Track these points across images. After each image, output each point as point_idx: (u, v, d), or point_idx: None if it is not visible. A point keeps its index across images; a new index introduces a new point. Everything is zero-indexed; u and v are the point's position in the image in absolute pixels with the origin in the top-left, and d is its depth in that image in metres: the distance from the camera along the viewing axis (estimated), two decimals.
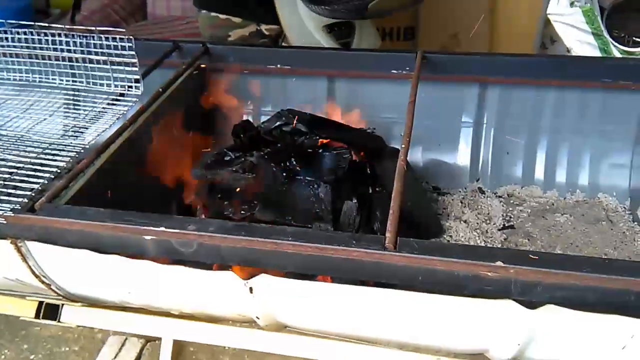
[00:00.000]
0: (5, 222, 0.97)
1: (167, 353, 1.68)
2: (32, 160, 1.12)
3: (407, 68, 1.53)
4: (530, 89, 1.54)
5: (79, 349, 2.28)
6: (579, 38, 2.98)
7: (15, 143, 1.19)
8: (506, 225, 1.47)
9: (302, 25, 1.77)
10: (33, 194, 1.02)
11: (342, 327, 1.00)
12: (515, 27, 2.67)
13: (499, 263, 0.82)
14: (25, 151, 1.15)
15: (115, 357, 2.10)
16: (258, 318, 1.02)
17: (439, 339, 0.96)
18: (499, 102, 1.57)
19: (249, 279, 0.93)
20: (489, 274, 0.83)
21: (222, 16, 1.89)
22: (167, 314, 1.19)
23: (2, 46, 1.40)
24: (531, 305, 0.84)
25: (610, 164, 1.53)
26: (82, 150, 1.17)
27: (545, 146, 1.57)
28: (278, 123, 1.42)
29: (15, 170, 1.08)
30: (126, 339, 2.17)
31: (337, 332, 1.02)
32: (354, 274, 0.89)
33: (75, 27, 1.34)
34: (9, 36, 1.38)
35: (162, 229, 0.93)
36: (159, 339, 2.20)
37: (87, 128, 1.26)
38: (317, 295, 0.94)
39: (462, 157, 1.61)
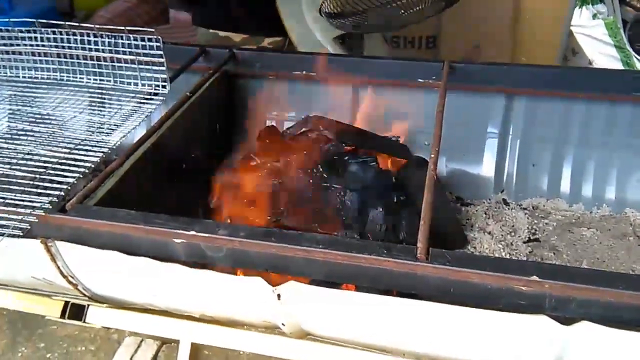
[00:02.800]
0: (37, 220, 0.97)
1: (185, 355, 1.68)
2: (65, 156, 1.13)
3: (433, 77, 1.53)
4: (557, 100, 1.53)
5: (95, 349, 2.29)
6: (601, 50, 2.96)
7: (47, 139, 1.21)
8: (531, 238, 1.45)
9: (312, 37, 1.78)
10: (67, 189, 1.03)
11: (368, 337, 0.99)
12: (539, 38, 2.65)
13: (534, 277, 0.81)
14: (58, 146, 1.17)
15: (131, 358, 2.10)
16: (284, 325, 1.01)
17: (466, 353, 0.95)
18: (525, 114, 1.56)
19: (277, 285, 0.93)
20: (523, 288, 0.82)
21: (221, 33, 1.90)
22: (188, 317, 1.19)
23: (32, 45, 1.41)
24: (565, 321, 0.83)
25: (638, 179, 1.51)
26: (111, 149, 1.18)
27: (572, 159, 1.55)
28: (303, 129, 1.43)
29: (48, 166, 1.09)
30: (142, 340, 2.18)
31: (363, 342, 1.01)
32: (384, 284, 0.89)
33: (104, 26, 1.35)
34: (39, 35, 1.40)
35: (193, 232, 0.94)
36: (175, 341, 2.21)
37: (115, 126, 1.27)
38: (345, 304, 0.93)
39: (486, 167, 1.60)
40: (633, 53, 2.47)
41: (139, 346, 2.14)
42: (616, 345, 0.84)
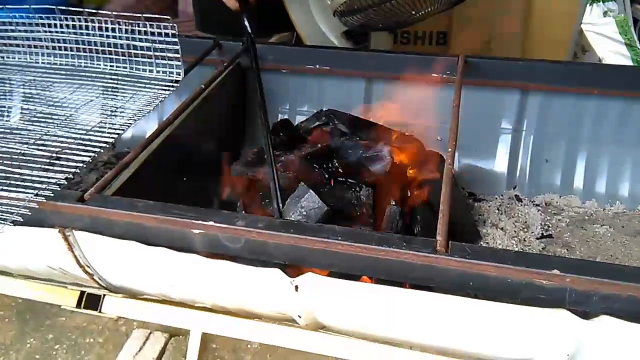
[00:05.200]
0: (53, 195, 0.98)
1: (195, 347, 1.69)
2: (81, 137, 1.16)
3: (448, 72, 1.52)
4: (571, 96, 1.52)
5: (104, 340, 2.30)
6: (611, 48, 2.95)
7: (63, 122, 1.23)
8: (544, 234, 1.45)
9: (320, 32, 1.78)
10: (82, 167, 1.06)
11: (385, 330, 0.99)
12: (549, 35, 2.64)
13: (555, 271, 0.81)
14: (74, 128, 1.19)
15: (139, 350, 2.11)
16: (300, 317, 1.01)
17: (483, 346, 0.95)
18: (539, 109, 1.55)
19: (295, 276, 0.93)
20: (544, 282, 0.82)
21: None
22: (202, 309, 1.19)
23: (51, 32, 1.42)
24: (585, 315, 0.83)
25: None
26: (124, 131, 1.21)
27: (585, 155, 1.55)
28: (317, 123, 1.42)
29: (64, 145, 1.12)
30: (150, 332, 2.19)
31: (379, 335, 1.01)
32: (403, 277, 0.89)
33: (121, 13, 1.36)
34: (57, 22, 1.41)
35: (211, 223, 0.94)
36: (183, 333, 2.22)
37: (130, 110, 1.28)
38: (363, 296, 0.93)
39: (499, 163, 1.60)
40: None
41: (147, 338, 2.15)
42: (636, 341, 0.84)
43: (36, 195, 0.99)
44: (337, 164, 1.25)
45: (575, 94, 1.52)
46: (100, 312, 1.10)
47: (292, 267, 0.97)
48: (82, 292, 1.13)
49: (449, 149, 1.09)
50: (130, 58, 1.42)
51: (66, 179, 1.02)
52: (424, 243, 0.88)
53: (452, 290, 0.88)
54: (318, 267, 0.93)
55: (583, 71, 1.54)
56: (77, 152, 1.11)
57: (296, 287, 0.94)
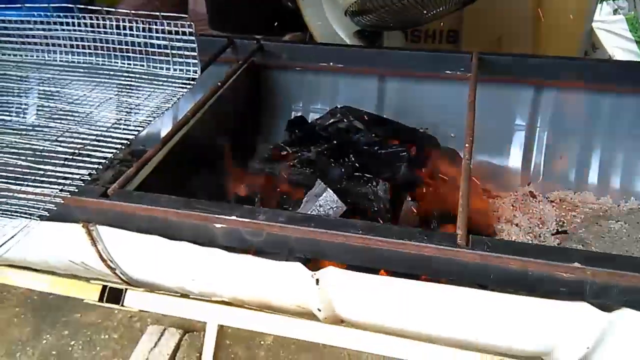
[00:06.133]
0: (77, 190, 1.00)
1: (211, 342, 1.70)
2: (103, 133, 1.17)
3: (462, 69, 1.53)
4: (586, 92, 1.52)
5: (118, 337, 2.32)
6: (621, 46, 2.94)
7: (84, 119, 1.25)
8: (559, 230, 1.45)
9: (333, 32, 1.79)
10: (105, 163, 1.07)
11: (404, 324, 1.01)
12: (560, 32, 2.64)
13: (575, 264, 0.82)
14: (95, 125, 1.21)
15: (154, 346, 2.13)
16: (319, 310, 1.02)
17: (502, 338, 0.96)
18: (554, 105, 1.55)
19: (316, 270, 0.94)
20: (565, 274, 0.83)
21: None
22: (221, 302, 1.20)
23: (69, 30, 1.44)
24: (606, 308, 0.83)
25: None
26: (143, 128, 1.22)
27: (600, 151, 1.55)
28: (332, 120, 1.44)
29: (87, 142, 1.14)
30: (165, 328, 2.20)
31: (398, 329, 1.02)
32: (424, 270, 0.90)
33: (139, 12, 1.37)
34: (75, 20, 1.43)
35: (233, 217, 0.95)
36: (197, 329, 2.24)
37: (148, 108, 1.29)
38: (383, 289, 0.94)
39: (513, 160, 1.60)
40: None
41: (161, 334, 2.17)
42: None
43: (61, 190, 1.00)
44: (353, 159, 1.26)
45: (590, 90, 1.52)
46: (122, 305, 1.12)
47: (313, 261, 0.98)
48: (105, 287, 1.15)
49: (466, 145, 1.10)
50: (148, 56, 1.44)
51: (89, 174, 1.04)
52: (444, 237, 0.88)
53: (472, 283, 0.89)
54: (339, 260, 0.94)
55: (598, 67, 1.54)
56: (99, 149, 1.12)
57: (317, 280, 0.95)
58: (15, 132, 1.22)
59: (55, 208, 0.98)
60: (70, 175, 1.05)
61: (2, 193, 1.02)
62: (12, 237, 0.96)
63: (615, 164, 1.54)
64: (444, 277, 0.90)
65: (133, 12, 1.39)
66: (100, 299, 1.13)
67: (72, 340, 2.30)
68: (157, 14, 1.37)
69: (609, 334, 0.86)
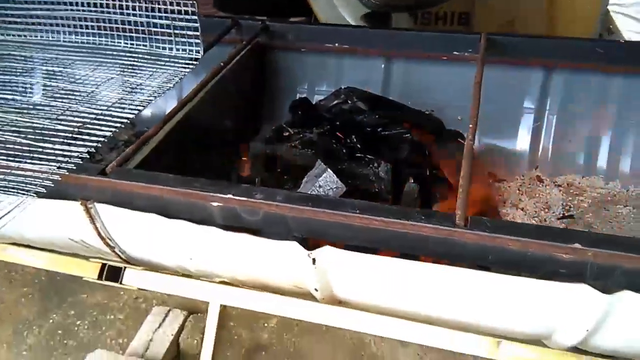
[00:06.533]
0: (75, 167, 1.00)
1: (213, 322, 1.71)
2: (103, 112, 1.17)
3: (470, 50, 1.49)
4: (597, 74, 1.48)
5: (124, 317, 2.34)
6: (637, 29, 2.87)
7: (85, 98, 1.25)
8: (566, 214, 1.42)
9: (340, 16, 1.76)
10: (104, 141, 1.07)
11: (401, 305, 1.00)
12: (575, 15, 2.58)
13: (576, 245, 0.80)
14: (96, 104, 1.21)
15: (158, 327, 2.15)
16: (316, 290, 1.02)
17: (502, 320, 0.94)
18: (563, 88, 1.52)
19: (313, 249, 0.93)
20: (565, 255, 0.81)
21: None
22: (220, 282, 1.20)
23: (72, 10, 1.44)
24: (606, 290, 0.82)
25: None
26: (144, 107, 1.21)
27: (609, 135, 1.52)
28: (336, 101, 1.42)
29: (87, 121, 1.14)
30: (169, 310, 2.22)
31: (396, 310, 1.02)
32: (423, 250, 0.88)
33: None
34: (78, 0, 1.42)
35: (230, 196, 0.94)
36: (202, 311, 2.25)
37: (150, 87, 1.29)
38: (380, 269, 0.93)
39: (521, 143, 1.57)
40: None
41: (166, 315, 2.19)
42: None
43: (58, 168, 1.00)
44: (355, 140, 1.24)
45: (601, 71, 1.48)
46: (121, 284, 1.12)
47: (313, 241, 0.97)
48: (104, 265, 1.15)
49: (470, 126, 1.08)
50: (150, 36, 1.43)
51: (88, 152, 1.03)
52: (443, 216, 0.87)
53: (471, 263, 0.87)
54: (336, 240, 0.93)
55: (610, 48, 1.49)
56: (99, 127, 1.12)
57: (313, 260, 0.94)
58: (17, 110, 1.23)
59: (52, 185, 0.98)
60: (69, 153, 1.05)
61: (0, 170, 1.02)
62: (8, 212, 0.96)
63: (625, 148, 1.51)
64: (443, 257, 0.89)
65: None
66: (99, 277, 1.14)
67: (78, 320, 2.33)
68: None
69: (609, 316, 0.84)
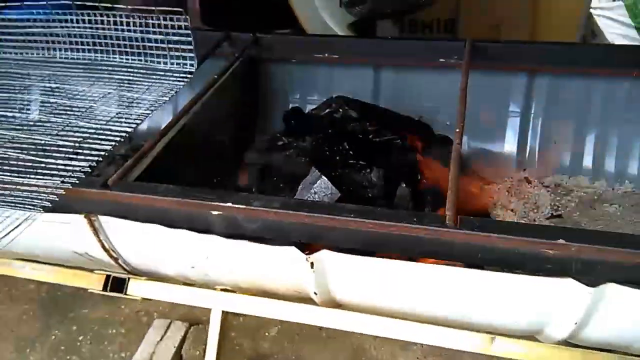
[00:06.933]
0: (78, 182, 1.03)
1: (215, 332, 1.73)
2: (102, 127, 1.21)
3: (455, 57, 1.54)
4: (579, 78, 1.54)
5: (126, 331, 2.36)
6: (620, 32, 2.93)
7: (84, 113, 1.29)
8: (554, 214, 1.47)
9: (326, 26, 1.80)
10: (105, 155, 1.11)
11: (398, 305, 1.03)
12: (558, 19, 2.64)
13: (560, 241, 0.84)
14: (95, 119, 1.25)
15: (160, 339, 2.17)
16: (316, 294, 1.05)
17: (494, 317, 0.98)
18: (547, 91, 1.57)
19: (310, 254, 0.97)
20: (550, 251, 0.85)
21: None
22: (222, 290, 1.23)
23: (67, 27, 1.48)
24: (591, 283, 0.86)
25: None
26: (142, 121, 1.26)
27: (594, 136, 1.57)
28: (328, 110, 1.46)
29: (86, 135, 1.18)
30: (171, 322, 2.25)
31: (393, 310, 1.05)
32: (415, 251, 0.92)
33: (136, 6, 1.40)
34: (74, 17, 1.46)
35: (229, 204, 0.98)
36: (202, 323, 2.28)
37: (147, 101, 1.33)
38: (375, 271, 0.97)
39: (508, 146, 1.62)
40: None
41: (168, 328, 2.21)
42: None
43: (62, 182, 1.03)
44: (348, 148, 1.28)
45: (583, 75, 1.53)
46: (125, 294, 1.15)
47: (309, 246, 1.00)
48: (108, 276, 1.18)
49: (457, 129, 1.12)
50: (145, 51, 1.47)
51: (90, 167, 1.07)
52: (434, 218, 0.91)
53: (462, 262, 0.91)
54: (332, 243, 0.97)
55: (591, 52, 1.55)
56: (99, 142, 1.15)
57: (312, 263, 0.98)
58: (17, 127, 1.26)
59: (57, 199, 1.01)
60: (71, 168, 1.08)
61: (5, 185, 1.05)
62: (16, 227, 1.00)
63: (609, 148, 1.56)
64: (435, 257, 0.93)
65: (130, 7, 1.42)
66: (104, 288, 1.17)
67: (80, 335, 2.35)
68: (153, 8, 1.40)
69: (595, 308, 0.88)
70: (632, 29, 2.98)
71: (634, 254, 0.82)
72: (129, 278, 1.17)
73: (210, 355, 1.78)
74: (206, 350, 1.80)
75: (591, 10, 2.66)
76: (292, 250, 0.97)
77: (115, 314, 2.44)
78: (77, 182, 1.05)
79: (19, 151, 1.15)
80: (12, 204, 1.00)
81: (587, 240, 0.84)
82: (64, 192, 1.02)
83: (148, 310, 2.45)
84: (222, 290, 1.20)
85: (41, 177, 1.06)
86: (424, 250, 0.92)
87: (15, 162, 1.11)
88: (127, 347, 2.24)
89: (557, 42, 1.58)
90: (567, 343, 1.01)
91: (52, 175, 1.07)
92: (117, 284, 1.16)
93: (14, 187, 1.05)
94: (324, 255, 0.96)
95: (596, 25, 2.89)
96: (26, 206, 1.01)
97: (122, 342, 2.30)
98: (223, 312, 1.72)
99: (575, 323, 0.91)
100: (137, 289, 1.16)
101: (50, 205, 1.01)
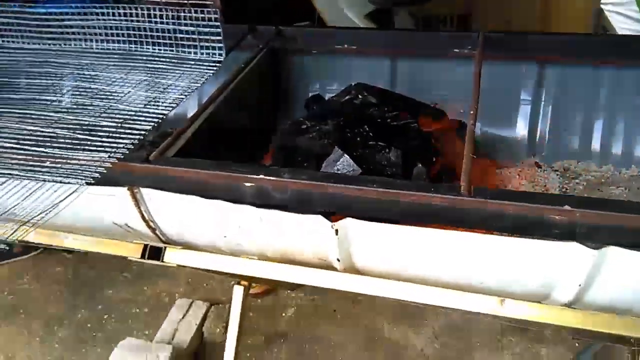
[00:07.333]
0: (122, 157, 1.13)
1: (237, 309, 1.83)
2: (141, 109, 1.32)
3: (469, 47, 1.62)
4: (588, 67, 1.61)
5: (149, 310, 2.48)
6: (631, 28, 2.98)
7: (123, 98, 1.39)
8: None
9: (344, 16, 1.88)
10: (145, 134, 1.21)
11: (415, 270, 1.12)
12: (569, 15, 2.71)
13: (566, 207, 0.92)
14: (134, 102, 1.35)
15: (182, 317, 2.28)
16: (338, 260, 1.14)
17: (506, 281, 1.06)
18: (558, 81, 1.64)
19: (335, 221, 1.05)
20: (556, 217, 0.93)
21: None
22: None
23: (104, 20, 1.58)
24: (595, 247, 0.93)
25: None
26: (177, 105, 1.36)
27: (602, 122, 1.63)
28: (348, 97, 1.54)
29: (127, 117, 1.28)
30: (192, 301, 2.35)
31: (409, 275, 1.13)
32: (433, 219, 1.01)
33: (169, 0, 1.49)
34: (110, 11, 1.56)
35: (261, 176, 1.07)
36: (222, 303, 2.38)
37: (180, 87, 1.43)
38: (395, 237, 1.05)
39: (519, 132, 1.69)
40: None
41: (189, 306, 2.32)
42: None
43: (109, 157, 1.13)
44: (367, 130, 1.37)
45: (592, 64, 1.60)
46: (162, 261, 1.25)
47: (335, 216, 1.09)
48: (146, 245, 1.28)
49: (471, 112, 1.20)
50: (176, 42, 1.56)
51: (132, 143, 1.16)
52: (450, 188, 1.00)
53: (475, 228, 1.00)
54: (356, 212, 1.05)
55: (599, 43, 1.62)
56: (139, 122, 1.25)
57: (336, 230, 1.06)
58: (62, 110, 1.36)
59: (104, 171, 1.11)
60: (115, 145, 1.18)
61: (57, 160, 1.15)
62: (65, 198, 1.09)
63: (616, 133, 1.63)
64: (451, 224, 1.01)
65: (164, 1, 1.51)
66: (142, 256, 1.26)
67: (105, 314, 2.47)
68: (185, 1, 1.49)
69: (598, 270, 0.96)
70: None
71: (633, 218, 0.90)
72: (165, 247, 1.26)
73: (232, 331, 1.89)
74: (228, 327, 1.90)
75: (602, 6, 2.72)
76: (318, 218, 1.06)
77: (138, 294, 2.57)
78: (122, 156, 1.14)
79: (66, 131, 1.25)
80: (66, 176, 1.10)
81: (590, 206, 0.92)
82: (110, 166, 1.12)
83: (170, 291, 2.57)
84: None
85: (89, 152, 1.16)
86: (441, 218, 1.00)
87: (63, 140, 1.21)
88: (150, 325, 2.36)
89: (566, 33, 1.65)
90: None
91: (99, 151, 1.17)
92: (154, 253, 1.26)
93: (64, 161, 1.15)
94: (348, 223, 1.05)
95: (607, 20, 2.94)
96: (76, 178, 1.11)
97: (146, 321, 2.42)
98: (244, 290, 1.83)
99: (580, 285, 0.99)
100: (174, 256, 1.26)
101: (98, 177, 1.10)
